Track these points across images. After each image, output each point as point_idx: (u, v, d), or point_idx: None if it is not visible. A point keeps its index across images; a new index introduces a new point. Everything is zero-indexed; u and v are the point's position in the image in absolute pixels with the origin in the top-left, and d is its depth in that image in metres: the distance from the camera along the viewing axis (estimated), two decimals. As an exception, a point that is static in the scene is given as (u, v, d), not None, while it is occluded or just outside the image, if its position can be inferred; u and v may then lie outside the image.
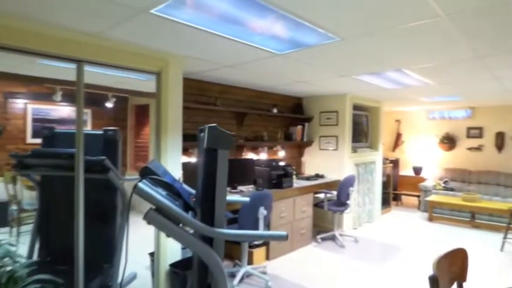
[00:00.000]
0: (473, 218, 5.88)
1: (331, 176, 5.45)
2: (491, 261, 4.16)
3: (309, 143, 5.75)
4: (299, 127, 5.55)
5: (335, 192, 4.89)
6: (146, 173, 1.71)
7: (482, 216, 5.87)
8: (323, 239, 4.91)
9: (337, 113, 5.47)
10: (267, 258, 4.10)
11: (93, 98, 4.10)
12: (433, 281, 1.50)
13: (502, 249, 4.49)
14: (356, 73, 3.68)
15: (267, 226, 3.86)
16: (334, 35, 2.33)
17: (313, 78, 4.03)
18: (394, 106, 7.38)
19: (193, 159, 3.90)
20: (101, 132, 2.85)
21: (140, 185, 1.47)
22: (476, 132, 7.18)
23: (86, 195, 2.41)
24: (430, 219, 6.21)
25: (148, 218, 1.50)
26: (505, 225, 5.49)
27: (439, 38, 2.40)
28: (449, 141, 7.48)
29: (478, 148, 7.11)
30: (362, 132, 6.23)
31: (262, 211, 3.35)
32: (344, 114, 5.40)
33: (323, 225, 5.39)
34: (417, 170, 7.70)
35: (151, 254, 3.05)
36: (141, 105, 5.42)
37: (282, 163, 4.66)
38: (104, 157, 2.41)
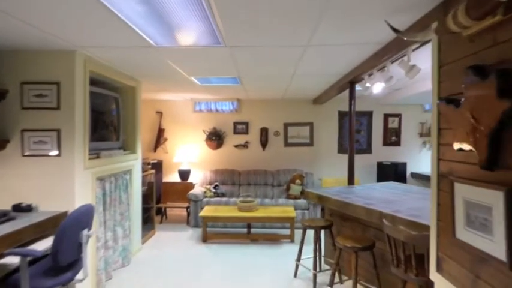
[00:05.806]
0: (249, 229, 4.95)
1: (50, 205, 2.84)
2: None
3: (1, 145, 2.85)
4: (-34, 110, 2.55)
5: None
6: None
7: (257, 224, 5.11)
8: None
9: (57, 85, 2.90)
10: None
11: None
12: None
13: (295, 275, 3.55)
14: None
15: None
16: None
17: None
18: (154, 92, 5.52)
19: None
20: None
21: None
22: (242, 127, 6.52)
23: None
24: (204, 239, 4.79)
25: None
26: (280, 232, 4.85)
27: None
28: (217, 138, 6.47)
29: (245, 145, 6.49)
30: (110, 124, 3.91)
31: None
32: (73, 88, 2.92)
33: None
34: (184, 175, 6.21)
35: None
36: None
37: None
38: None
